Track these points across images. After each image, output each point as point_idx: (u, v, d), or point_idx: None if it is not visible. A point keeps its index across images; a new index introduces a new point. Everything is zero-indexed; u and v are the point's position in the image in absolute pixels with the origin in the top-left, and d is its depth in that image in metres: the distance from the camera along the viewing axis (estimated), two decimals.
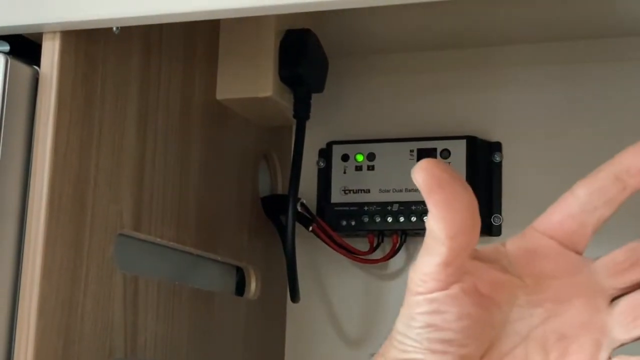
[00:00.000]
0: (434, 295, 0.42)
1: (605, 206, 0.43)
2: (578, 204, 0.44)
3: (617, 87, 0.90)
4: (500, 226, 0.90)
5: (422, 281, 0.43)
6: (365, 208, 0.91)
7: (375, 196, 0.91)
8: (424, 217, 0.86)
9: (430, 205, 0.41)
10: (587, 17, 0.87)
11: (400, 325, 0.44)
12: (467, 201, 0.41)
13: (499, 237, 0.90)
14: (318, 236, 0.90)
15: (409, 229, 0.89)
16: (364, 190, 0.91)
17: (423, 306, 0.43)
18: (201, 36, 0.82)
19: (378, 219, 0.90)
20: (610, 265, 0.44)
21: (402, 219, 0.89)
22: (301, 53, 0.84)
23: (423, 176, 0.40)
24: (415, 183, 0.41)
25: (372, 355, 0.46)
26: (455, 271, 0.42)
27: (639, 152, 0.43)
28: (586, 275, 0.45)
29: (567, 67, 0.92)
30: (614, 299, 0.44)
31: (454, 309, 0.43)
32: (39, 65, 0.61)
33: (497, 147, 0.91)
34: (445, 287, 0.42)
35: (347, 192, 0.92)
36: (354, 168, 0.92)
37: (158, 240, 0.73)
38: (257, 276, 0.89)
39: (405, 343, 0.43)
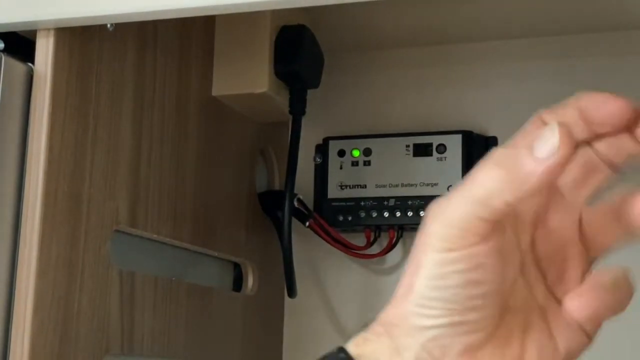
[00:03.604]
0: (474, 249, 0.38)
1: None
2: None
3: (613, 81, 0.90)
4: None
5: (459, 236, 0.38)
6: (362, 203, 0.91)
7: (371, 191, 0.91)
8: (420, 212, 0.87)
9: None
10: (583, 11, 0.87)
11: (424, 288, 0.39)
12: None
13: None
14: (315, 231, 0.91)
15: (406, 223, 0.89)
16: (360, 185, 0.92)
17: (460, 263, 0.38)
18: (196, 32, 0.82)
19: (375, 214, 0.90)
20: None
21: (398, 214, 0.89)
22: (296, 49, 0.84)
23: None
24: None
25: (367, 324, 0.42)
26: (499, 223, 0.39)
27: (607, 101, 0.40)
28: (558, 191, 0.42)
29: (563, 62, 0.92)
30: None
31: (491, 260, 0.39)
32: (33, 63, 0.61)
33: (493, 141, 0.91)
34: (486, 240, 0.38)
35: (343, 187, 0.92)
36: (350, 163, 0.92)
37: (154, 236, 0.73)
38: (254, 272, 0.89)
39: (435, 307, 0.39)
